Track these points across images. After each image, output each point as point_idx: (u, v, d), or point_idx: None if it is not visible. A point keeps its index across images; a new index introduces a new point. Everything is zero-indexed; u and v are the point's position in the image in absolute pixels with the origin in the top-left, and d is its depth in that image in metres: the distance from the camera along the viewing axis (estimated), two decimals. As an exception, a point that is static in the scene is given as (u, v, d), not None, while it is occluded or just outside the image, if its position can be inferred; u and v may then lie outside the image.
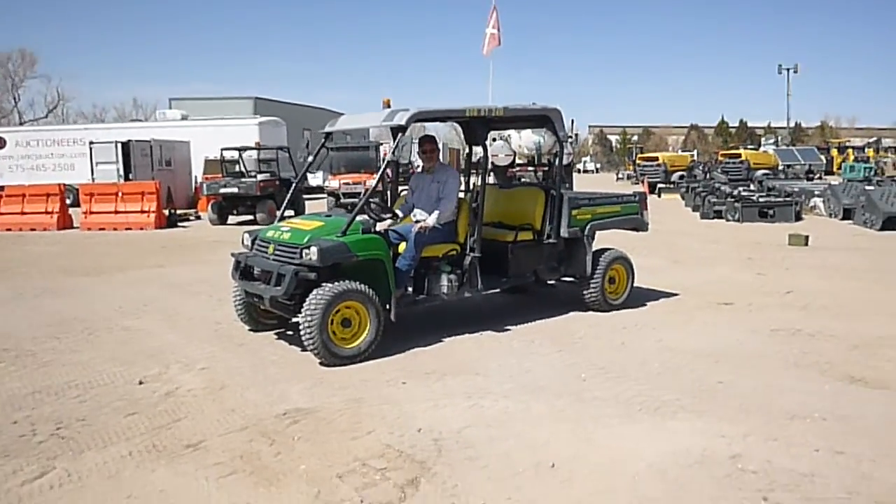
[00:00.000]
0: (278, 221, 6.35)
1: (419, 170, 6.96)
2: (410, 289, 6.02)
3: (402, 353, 5.54)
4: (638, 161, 35.85)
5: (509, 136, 23.02)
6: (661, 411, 4.25)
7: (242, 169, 18.70)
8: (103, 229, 16.22)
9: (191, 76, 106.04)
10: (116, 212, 16.71)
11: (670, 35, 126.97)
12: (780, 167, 32.44)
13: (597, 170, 66.40)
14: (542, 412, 4.26)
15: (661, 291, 7.90)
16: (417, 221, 6.04)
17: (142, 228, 16.22)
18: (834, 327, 6.26)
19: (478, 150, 6.71)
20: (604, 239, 7.34)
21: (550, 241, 6.76)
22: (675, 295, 7.74)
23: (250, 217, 17.08)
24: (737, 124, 76.12)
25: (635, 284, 7.37)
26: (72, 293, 8.45)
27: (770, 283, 8.42)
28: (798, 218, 15.95)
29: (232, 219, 17.36)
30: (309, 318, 5.15)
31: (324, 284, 5.28)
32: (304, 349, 5.42)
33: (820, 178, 32.80)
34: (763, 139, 47.65)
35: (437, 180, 6.32)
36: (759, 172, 28.52)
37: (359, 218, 5.59)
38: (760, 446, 3.73)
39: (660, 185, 27.21)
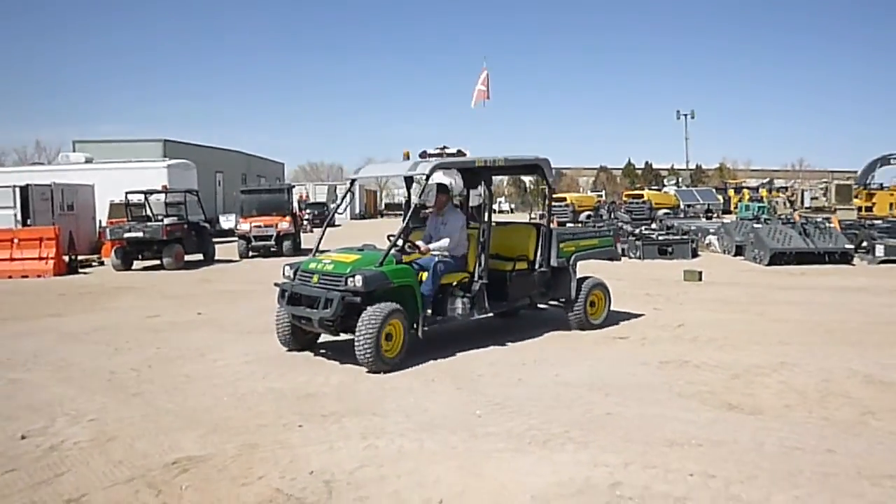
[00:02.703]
0: (314, 255, 7.22)
1: (432, 211, 7.96)
2: (430, 311, 6.89)
3: (302, 396, 5.53)
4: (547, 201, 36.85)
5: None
6: (549, 444, 4.40)
7: (149, 213, 18.25)
8: (-4, 277, 15.41)
9: (98, 118, 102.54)
10: (12, 259, 15.92)
11: (580, 80, 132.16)
12: (681, 207, 34.06)
13: (511, 210, 67.68)
14: (435, 450, 4.34)
15: (562, 328, 8.16)
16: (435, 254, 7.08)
17: (39, 276, 15.49)
18: (718, 358, 6.62)
19: (475, 193, 8.29)
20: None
21: (542, 269, 7.82)
22: (575, 331, 8.00)
23: (156, 262, 16.60)
24: (643, 166, 79.48)
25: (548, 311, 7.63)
26: (-45, 345, 7.99)
27: (664, 317, 8.82)
28: (694, 255, 16.77)
29: (137, 264, 16.80)
30: (366, 332, 6.09)
31: (377, 305, 6.23)
32: (199, 398, 5.35)
33: (718, 216, 34.57)
34: (666, 180, 49.93)
35: (445, 221, 7.38)
36: (661, 212, 29.88)
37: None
38: (640, 473, 3.92)
39: (569, 225, 28.06)
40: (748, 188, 47.36)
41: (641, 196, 33.66)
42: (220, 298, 11.37)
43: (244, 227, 19.18)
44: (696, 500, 3.59)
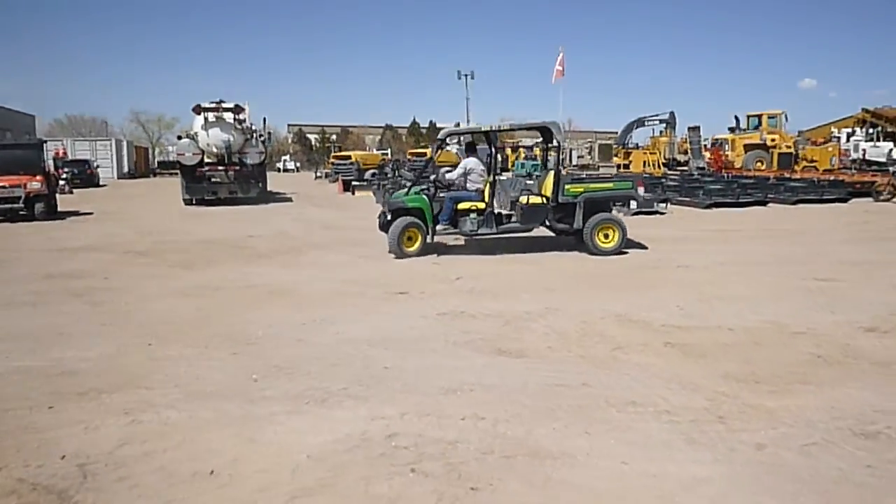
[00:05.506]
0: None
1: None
2: (449, 225, 10.39)
3: (56, 374, 4.97)
4: (332, 160, 36.55)
5: (196, 133, 22.03)
6: (327, 402, 4.37)
7: None
8: None
9: None
10: None
11: (363, 38, 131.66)
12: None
13: (297, 169, 66.19)
14: (206, 419, 4.12)
15: (346, 286, 8.14)
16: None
17: None
18: (491, 307, 6.96)
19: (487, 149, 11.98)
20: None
21: (553, 204, 10.38)
22: (357, 289, 8.02)
23: None
24: (427, 125, 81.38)
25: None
26: None
27: (443, 271, 9.11)
28: (474, 210, 17.49)
29: None
30: (392, 234, 10.01)
31: (399, 219, 10.07)
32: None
33: (499, 173, 36.37)
34: (448, 139, 51.47)
35: (457, 165, 11.87)
36: (443, 170, 30.79)
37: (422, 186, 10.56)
38: (415, 423, 4.02)
39: (354, 183, 28.01)
40: (524, 147, 50.39)
41: (425, 154, 34.49)
42: (-45, 270, 9.90)
43: (-17, 186, 16.78)
44: (467, 441, 3.76)
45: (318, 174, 45.10)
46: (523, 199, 10.43)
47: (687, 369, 4.97)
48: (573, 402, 4.31)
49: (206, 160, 21.17)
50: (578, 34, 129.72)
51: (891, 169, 21.10)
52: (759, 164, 31.90)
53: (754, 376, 4.77)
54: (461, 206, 10.35)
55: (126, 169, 49.34)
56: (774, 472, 3.39)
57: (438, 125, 79.93)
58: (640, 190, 11.17)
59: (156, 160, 64.78)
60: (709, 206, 18.16)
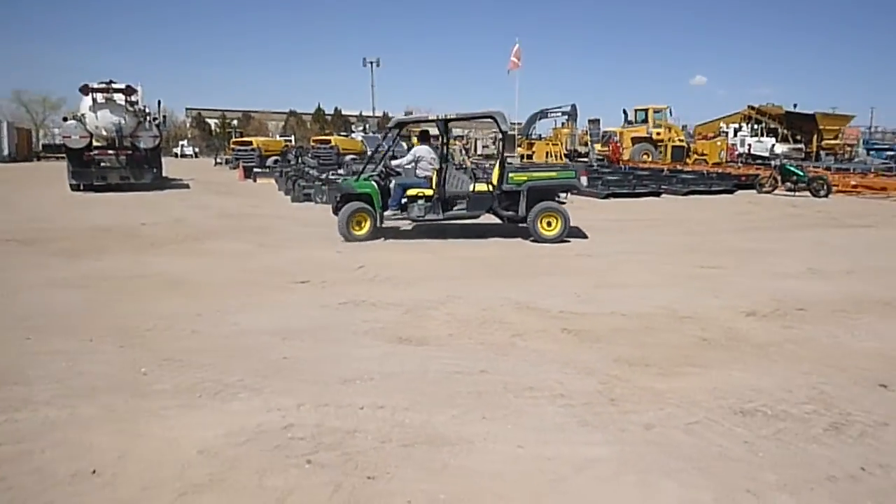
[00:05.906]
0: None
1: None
2: (399, 210, 10.70)
3: (-82, 373, 4.59)
4: (233, 146, 35.48)
5: (83, 115, 20.85)
6: (221, 394, 4.23)
7: None
8: None
9: None
10: None
11: (267, 21, 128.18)
12: (368, 153, 35.09)
13: (196, 154, 63.81)
14: (90, 416, 3.91)
15: (244, 275, 7.92)
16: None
17: None
18: (393, 296, 6.93)
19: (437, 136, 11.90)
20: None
21: (498, 191, 10.66)
22: (256, 278, 7.82)
23: None
24: (332, 112, 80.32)
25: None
26: None
27: (345, 259, 9.00)
28: (379, 199, 17.39)
29: None
30: (341, 218, 10.39)
31: (348, 204, 10.42)
32: None
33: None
34: (354, 127, 51.02)
35: (405, 153, 11.91)
36: (348, 158, 30.50)
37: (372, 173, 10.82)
38: (312, 413, 3.94)
39: (255, 170, 27.28)
40: (432, 137, 50.56)
41: (329, 141, 33.99)
42: None
43: None
44: (365, 430, 3.72)
45: (218, 160, 43.61)
46: (470, 187, 10.78)
47: (582, 354, 5.11)
48: (472, 389, 4.35)
49: (96, 143, 20.08)
50: (486, 29, 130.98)
51: (772, 163, 22.42)
52: (645, 156, 33.29)
53: (645, 360, 4.96)
54: (410, 192, 10.69)
55: (6, 152, 46.22)
56: (661, 451, 3.54)
57: (344, 112, 79.18)
58: (584, 179, 11.28)
59: (40, 143, 61.01)
60: (606, 196, 18.76)
